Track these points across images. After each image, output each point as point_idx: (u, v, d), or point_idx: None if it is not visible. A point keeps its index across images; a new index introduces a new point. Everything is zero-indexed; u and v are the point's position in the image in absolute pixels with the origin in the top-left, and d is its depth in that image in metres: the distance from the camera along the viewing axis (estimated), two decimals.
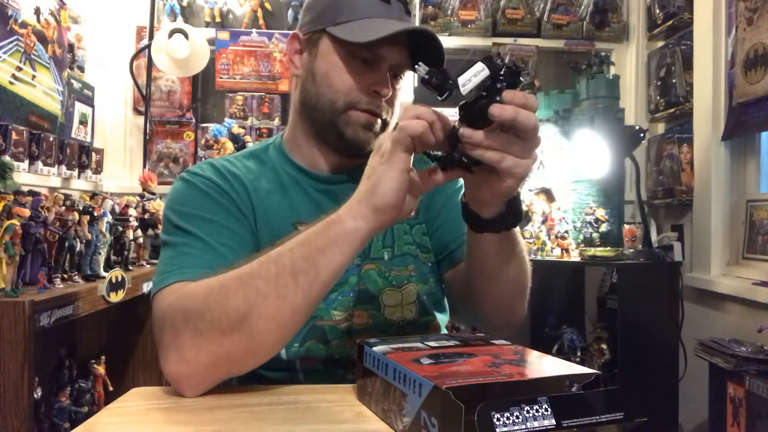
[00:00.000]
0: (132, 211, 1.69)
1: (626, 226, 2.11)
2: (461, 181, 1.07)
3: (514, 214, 0.77)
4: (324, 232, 0.70)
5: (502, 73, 0.66)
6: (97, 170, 2.23)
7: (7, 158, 1.51)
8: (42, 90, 1.87)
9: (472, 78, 0.66)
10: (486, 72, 0.65)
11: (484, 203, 0.75)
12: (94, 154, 2.19)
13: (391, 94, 0.90)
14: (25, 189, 1.31)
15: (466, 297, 0.95)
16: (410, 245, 0.97)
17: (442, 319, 1.00)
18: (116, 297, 1.43)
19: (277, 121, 2.60)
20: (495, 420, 0.48)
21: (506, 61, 0.68)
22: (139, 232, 1.76)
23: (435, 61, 0.89)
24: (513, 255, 0.83)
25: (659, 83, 2.47)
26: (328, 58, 0.89)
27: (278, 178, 0.94)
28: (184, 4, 2.61)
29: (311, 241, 0.70)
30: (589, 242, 2.10)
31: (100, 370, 1.65)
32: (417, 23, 2.59)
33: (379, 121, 0.91)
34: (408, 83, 2.56)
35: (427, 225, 1.00)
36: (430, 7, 2.65)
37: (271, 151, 0.98)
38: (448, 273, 0.99)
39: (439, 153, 0.72)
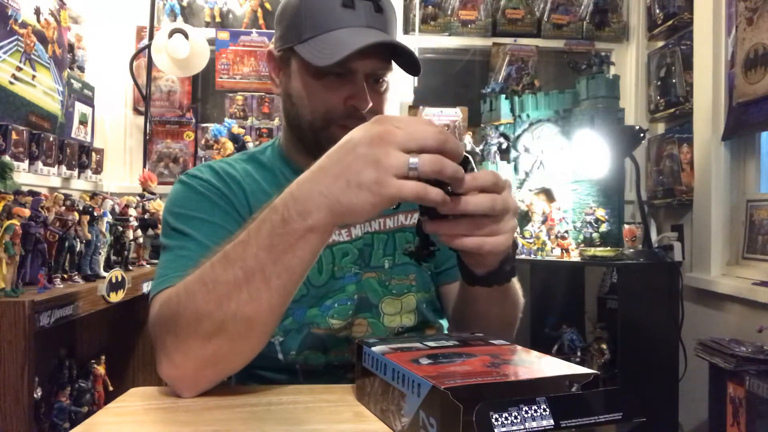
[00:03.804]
0: (132, 211, 1.69)
1: (626, 226, 2.11)
2: None
3: (506, 273, 0.75)
4: (287, 233, 0.63)
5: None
6: (97, 170, 2.23)
7: (7, 158, 1.51)
8: (42, 90, 1.87)
9: None
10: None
11: (473, 265, 0.75)
12: (94, 154, 2.19)
13: (371, 103, 0.85)
14: (25, 189, 1.31)
15: (454, 319, 0.97)
16: None
17: (444, 324, 1.01)
18: (116, 297, 1.43)
19: (277, 121, 2.60)
20: (493, 420, 0.48)
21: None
22: (139, 232, 1.77)
23: (411, 63, 0.87)
24: (504, 299, 0.83)
25: (659, 83, 2.47)
26: (300, 78, 0.87)
27: (276, 181, 0.94)
28: (184, 4, 2.61)
29: (276, 243, 0.63)
30: (589, 242, 2.09)
31: (100, 370, 1.65)
32: (417, 23, 2.59)
33: None
34: (408, 83, 2.56)
35: (431, 235, 1.00)
36: (430, 7, 2.65)
37: (269, 154, 0.98)
38: (440, 288, 1.00)
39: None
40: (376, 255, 0.94)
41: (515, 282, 0.84)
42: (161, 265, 0.81)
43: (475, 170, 0.65)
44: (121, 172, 2.55)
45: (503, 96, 2.37)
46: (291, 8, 0.87)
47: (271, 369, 0.89)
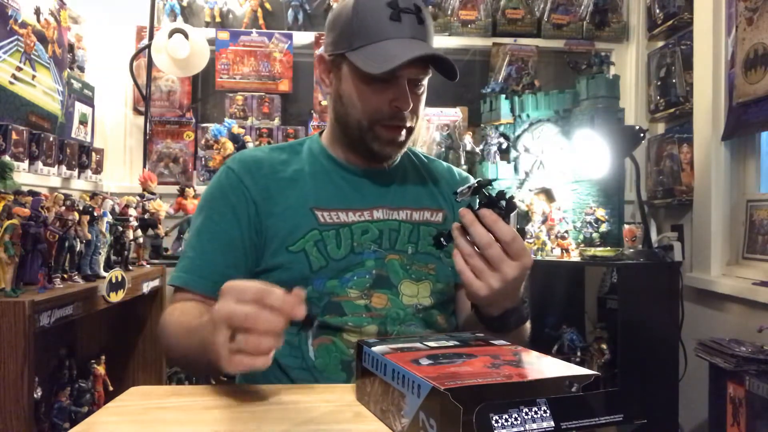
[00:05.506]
0: (132, 211, 1.69)
1: (626, 226, 2.11)
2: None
3: (510, 322, 0.85)
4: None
5: (493, 196, 0.79)
6: (97, 170, 2.23)
7: (7, 158, 1.51)
8: (42, 90, 1.87)
9: (465, 187, 0.81)
10: (474, 182, 0.81)
11: (470, 298, 0.84)
12: (94, 154, 2.19)
13: (412, 105, 0.96)
14: (25, 189, 1.31)
15: (463, 330, 1.02)
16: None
17: (452, 321, 1.06)
18: (116, 297, 1.43)
19: (277, 121, 2.59)
20: (493, 422, 0.48)
21: (503, 191, 0.80)
22: (139, 232, 1.77)
23: (449, 70, 0.96)
24: (510, 333, 0.87)
25: (659, 83, 2.47)
26: (350, 81, 0.97)
27: (306, 167, 1.03)
28: (184, 4, 2.61)
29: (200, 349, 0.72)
30: (589, 242, 2.09)
31: (100, 370, 1.65)
32: None
33: (404, 132, 1.00)
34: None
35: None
36: (430, 7, 2.64)
37: (308, 143, 1.08)
38: (457, 291, 1.06)
39: (435, 234, 0.86)
40: (401, 240, 1.02)
41: (524, 325, 0.92)
42: (183, 254, 1.00)
43: (512, 213, 0.79)
44: (121, 172, 2.55)
45: (503, 96, 2.37)
46: (343, 18, 0.96)
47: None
